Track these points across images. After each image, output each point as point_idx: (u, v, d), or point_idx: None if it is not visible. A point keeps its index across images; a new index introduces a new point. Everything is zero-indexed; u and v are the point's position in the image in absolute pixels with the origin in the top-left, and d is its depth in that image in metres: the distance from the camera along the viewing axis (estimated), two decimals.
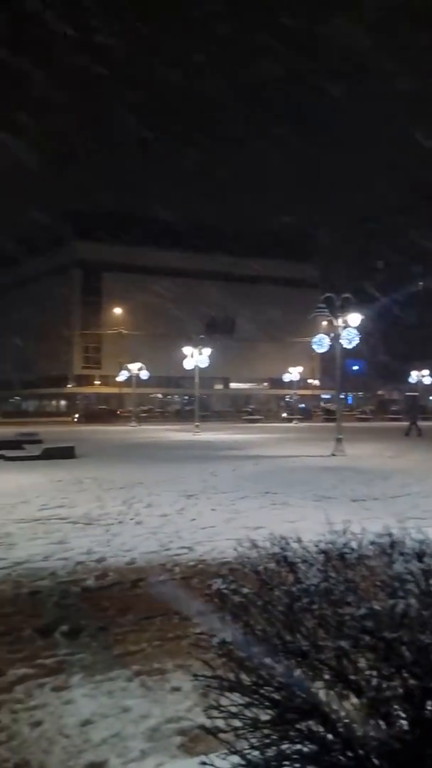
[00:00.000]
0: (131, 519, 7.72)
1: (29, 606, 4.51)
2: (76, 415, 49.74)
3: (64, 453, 16.14)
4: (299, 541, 1.74)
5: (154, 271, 61.29)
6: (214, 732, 1.46)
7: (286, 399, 60.09)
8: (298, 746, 1.37)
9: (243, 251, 63.65)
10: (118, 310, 62.68)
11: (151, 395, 61.94)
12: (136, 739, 2.75)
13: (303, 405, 52.42)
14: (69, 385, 65.11)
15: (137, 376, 40.22)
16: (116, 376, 49.18)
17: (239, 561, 1.78)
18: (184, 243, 61.83)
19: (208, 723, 1.64)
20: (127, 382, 43.23)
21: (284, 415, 51.06)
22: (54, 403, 68.77)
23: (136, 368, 40.50)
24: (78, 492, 10.05)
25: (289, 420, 46.01)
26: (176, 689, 3.22)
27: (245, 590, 1.40)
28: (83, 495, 9.71)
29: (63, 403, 67.10)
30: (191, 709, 3.02)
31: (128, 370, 41.60)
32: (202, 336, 36.76)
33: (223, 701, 1.58)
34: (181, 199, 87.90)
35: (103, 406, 55.04)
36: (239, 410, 54.19)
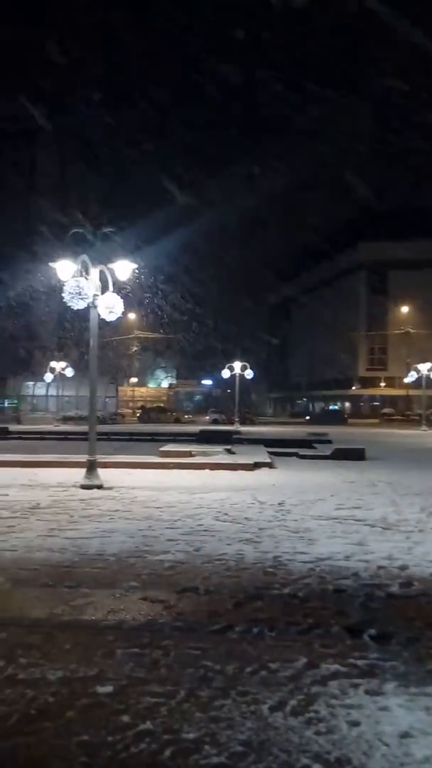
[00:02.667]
0: None
1: (335, 603, 4.60)
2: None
3: (355, 454, 16.18)
4: None
5: None
6: None
7: None
8: None
9: None
10: (405, 309, 60.53)
11: None
12: None
13: None
14: (354, 387, 65.31)
15: (427, 376, 38.14)
16: (403, 377, 47.48)
17: None
18: None
19: None
20: (416, 383, 41.32)
21: None
22: (339, 404, 69.72)
23: (426, 369, 38.44)
24: (372, 494, 9.94)
25: None
26: None
27: None
28: (378, 498, 9.57)
29: (347, 404, 67.59)
30: None
31: (417, 371, 39.72)
32: None
33: None
34: None
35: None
36: None
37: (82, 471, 10.74)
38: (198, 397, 69.64)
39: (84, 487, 10.31)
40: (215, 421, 44.69)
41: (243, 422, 36.52)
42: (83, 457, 10.98)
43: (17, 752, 2.60)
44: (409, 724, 2.88)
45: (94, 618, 4.23)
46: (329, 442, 19.67)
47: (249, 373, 35.01)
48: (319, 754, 2.63)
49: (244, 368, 35.06)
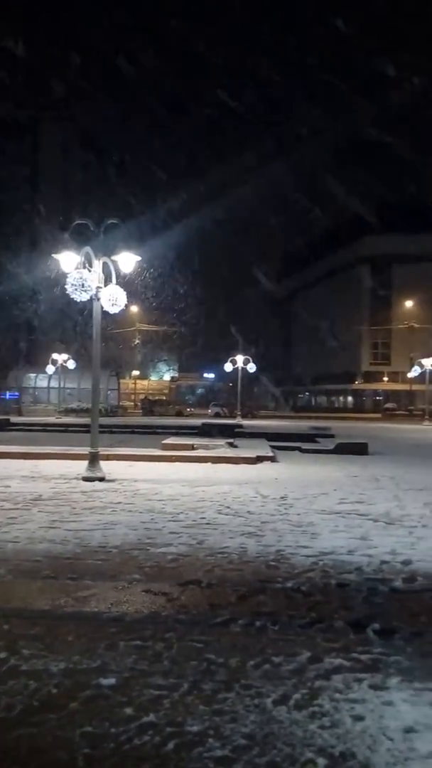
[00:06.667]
0: None
1: (338, 597, 4.58)
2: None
3: (357, 449, 16.15)
4: None
5: None
6: None
7: None
8: None
9: None
10: (409, 303, 60.40)
11: None
12: None
13: None
14: (357, 382, 65.27)
15: (431, 371, 38.04)
16: (407, 372, 47.42)
17: None
18: None
19: None
20: (419, 378, 41.22)
21: None
22: (342, 399, 69.72)
23: (430, 363, 38.32)
24: (375, 489, 9.92)
25: None
26: None
27: None
28: (381, 493, 9.54)
29: (350, 399, 67.57)
30: None
31: (420, 366, 39.60)
32: None
33: None
34: None
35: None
36: None
37: (84, 463, 10.73)
38: (200, 390, 69.61)
39: (86, 479, 10.31)
40: (217, 415, 44.66)
41: (245, 416, 36.50)
42: (85, 449, 10.98)
43: (21, 743, 2.59)
44: (414, 719, 2.86)
45: (96, 610, 4.22)
46: (332, 436, 19.64)
47: (251, 367, 34.95)
48: (323, 747, 2.61)
49: (246, 362, 34.99)
